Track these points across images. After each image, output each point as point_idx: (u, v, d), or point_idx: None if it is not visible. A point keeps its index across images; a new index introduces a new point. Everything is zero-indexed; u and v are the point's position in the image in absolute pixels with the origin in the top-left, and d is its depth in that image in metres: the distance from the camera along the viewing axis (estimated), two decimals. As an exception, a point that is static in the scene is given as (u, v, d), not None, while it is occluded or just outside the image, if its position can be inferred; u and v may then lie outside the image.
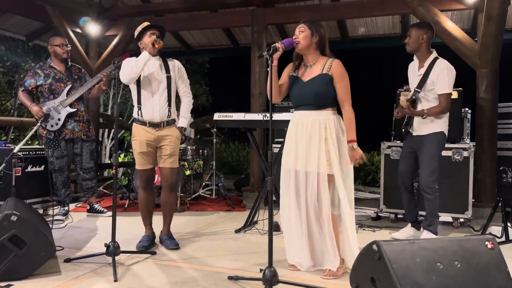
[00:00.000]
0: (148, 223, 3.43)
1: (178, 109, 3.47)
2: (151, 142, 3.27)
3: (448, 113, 3.48)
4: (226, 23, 6.24)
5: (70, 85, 4.31)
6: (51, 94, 4.26)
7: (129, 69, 3.14)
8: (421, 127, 3.51)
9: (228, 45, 7.51)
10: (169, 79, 3.31)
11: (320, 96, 2.71)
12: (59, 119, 4.22)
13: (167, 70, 3.32)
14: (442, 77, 3.38)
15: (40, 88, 4.27)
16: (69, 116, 4.26)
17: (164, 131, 3.29)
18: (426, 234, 3.50)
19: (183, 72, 3.44)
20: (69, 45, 4.40)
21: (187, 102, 3.49)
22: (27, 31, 6.87)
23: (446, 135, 3.51)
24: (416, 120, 3.54)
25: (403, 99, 3.52)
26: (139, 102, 3.28)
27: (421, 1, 4.79)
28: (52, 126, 4.21)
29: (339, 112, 2.77)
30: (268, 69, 2.71)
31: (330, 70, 2.71)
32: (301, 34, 2.74)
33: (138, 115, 3.28)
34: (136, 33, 3.30)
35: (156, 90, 3.26)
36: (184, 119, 3.46)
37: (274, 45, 2.62)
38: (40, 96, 4.33)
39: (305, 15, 5.55)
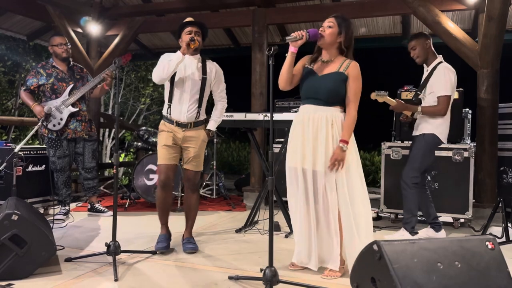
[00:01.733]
0: (164, 222, 3.33)
1: (208, 113, 3.39)
2: (177, 139, 3.20)
3: (446, 116, 3.48)
4: (227, 23, 6.24)
5: (72, 85, 4.31)
6: (53, 93, 4.26)
7: (160, 68, 3.07)
8: (416, 128, 3.63)
9: (229, 45, 7.52)
10: (204, 80, 3.20)
11: (332, 93, 2.67)
12: (61, 119, 4.22)
13: (204, 71, 3.23)
14: (439, 80, 3.44)
15: (42, 87, 4.27)
16: (72, 115, 4.26)
17: (191, 132, 3.20)
18: (400, 232, 3.62)
19: (220, 77, 3.33)
20: (68, 44, 4.38)
21: (220, 106, 3.40)
22: (28, 31, 6.88)
23: (441, 138, 3.50)
24: (416, 122, 3.63)
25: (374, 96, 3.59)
26: (170, 100, 3.20)
27: (422, 1, 4.78)
28: (54, 125, 4.21)
29: None
30: (286, 54, 2.68)
31: (347, 70, 2.69)
32: (328, 30, 2.70)
33: (167, 113, 3.21)
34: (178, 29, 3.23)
35: (189, 90, 3.17)
36: (214, 122, 3.37)
37: (298, 32, 2.60)
38: (42, 96, 4.33)
39: (306, 15, 5.61)
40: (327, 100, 2.69)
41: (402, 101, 3.63)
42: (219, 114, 3.40)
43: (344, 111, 2.73)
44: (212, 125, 3.36)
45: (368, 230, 2.70)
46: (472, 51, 4.61)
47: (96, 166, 4.56)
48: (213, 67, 3.29)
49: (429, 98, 3.52)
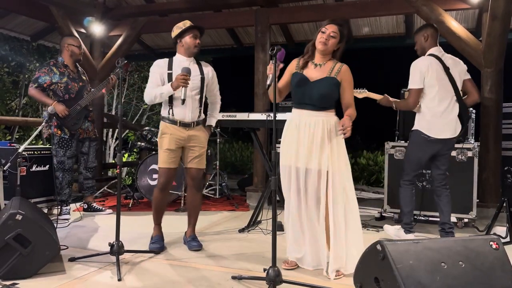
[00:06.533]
0: (158, 222, 3.38)
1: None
2: (180, 140, 3.23)
3: (429, 111, 3.38)
4: (229, 23, 6.25)
5: (82, 85, 4.38)
6: (67, 93, 4.26)
7: (152, 96, 3.18)
8: None
9: (232, 45, 7.52)
10: (202, 80, 3.30)
11: (325, 98, 2.74)
12: (78, 119, 4.30)
13: (201, 72, 3.32)
14: (410, 73, 3.46)
15: (54, 86, 4.23)
16: (86, 116, 4.36)
17: (194, 131, 3.27)
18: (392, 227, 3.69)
19: (215, 78, 3.44)
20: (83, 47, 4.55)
21: (217, 104, 3.53)
22: (31, 31, 6.91)
23: (427, 132, 3.38)
24: None
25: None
26: (171, 102, 3.23)
27: (425, 0, 4.77)
28: (72, 125, 4.28)
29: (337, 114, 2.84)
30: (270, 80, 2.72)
31: (338, 74, 2.74)
32: (332, 40, 2.74)
33: (169, 114, 3.23)
34: (176, 30, 3.26)
35: (190, 90, 3.21)
36: (214, 118, 3.50)
37: (270, 65, 2.57)
38: (53, 95, 4.27)
39: (308, 15, 5.60)
40: (321, 105, 2.75)
41: (389, 97, 3.62)
42: (217, 111, 3.54)
43: (335, 115, 2.80)
44: (212, 121, 3.49)
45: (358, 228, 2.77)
46: (476, 50, 4.59)
47: (97, 166, 4.62)
48: (208, 68, 3.39)
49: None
